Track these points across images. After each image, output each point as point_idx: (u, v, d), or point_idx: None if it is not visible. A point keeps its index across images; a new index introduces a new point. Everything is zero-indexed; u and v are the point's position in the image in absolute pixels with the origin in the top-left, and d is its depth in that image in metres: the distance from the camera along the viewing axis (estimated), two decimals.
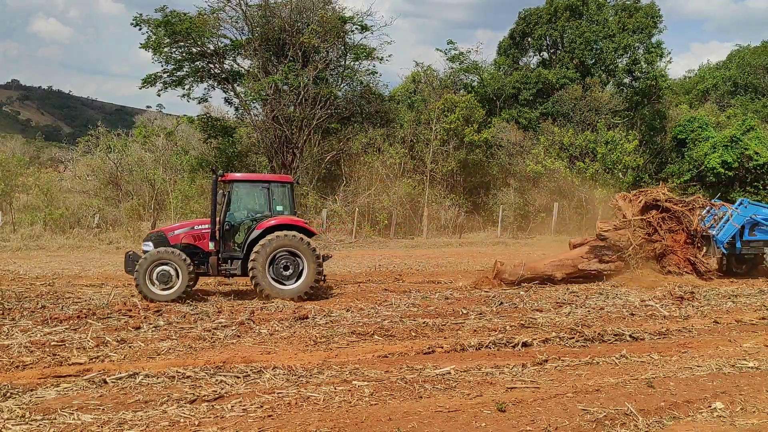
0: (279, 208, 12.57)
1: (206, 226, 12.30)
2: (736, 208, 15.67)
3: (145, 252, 11.99)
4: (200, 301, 11.79)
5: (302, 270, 11.98)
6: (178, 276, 11.68)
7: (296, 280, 12.00)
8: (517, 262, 14.69)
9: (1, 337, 8.63)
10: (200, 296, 12.42)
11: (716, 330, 9.58)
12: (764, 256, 15.53)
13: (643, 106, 41.47)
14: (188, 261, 11.76)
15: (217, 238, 12.20)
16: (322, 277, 13.05)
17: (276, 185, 12.79)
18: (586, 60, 40.42)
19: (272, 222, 12.15)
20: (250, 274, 11.86)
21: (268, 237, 11.88)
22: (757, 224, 15.82)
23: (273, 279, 11.90)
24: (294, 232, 12.04)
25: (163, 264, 11.69)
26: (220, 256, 12.23)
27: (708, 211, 16.10)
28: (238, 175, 13.15)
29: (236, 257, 12.26)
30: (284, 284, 11.94)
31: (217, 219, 12.23)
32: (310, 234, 12.49)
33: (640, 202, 14.98)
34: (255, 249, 11.79)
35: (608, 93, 39.01)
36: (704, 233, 15.01)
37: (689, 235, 14.77)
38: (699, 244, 14.92)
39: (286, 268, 11.94)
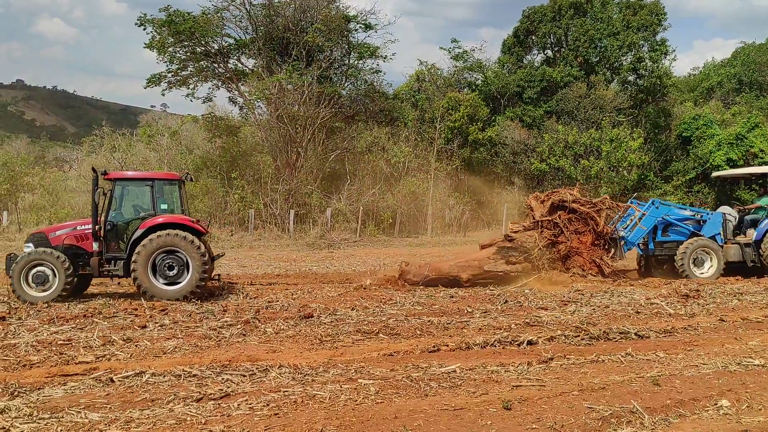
0: (164, 206, 12.14)
1: (89, 226, 11.91)
2: (646, 210, 15.37)
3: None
4: (205, 300, 11.81)
5: (187, 270, 11.66)
6: (55, 277, 11.43)
7: (181, 281, 11.67)
8: (422, 263, 14.54)
9: (8, 336, 8.66)
10: (204, 296, 12.45)
11: (722, 328, 9.55)
12: (675, 257, 15.09)
13: (648, 104, 41.39)
14: (66, 261, 11.45)
15: (100, 238, 11.84)
16: (216, 277, 12.95)
17: (161, 183, 12.30)
18: (590, 58, 40.36)
19: (159, 220, 11.78)
20: (132, 275, 11.54)
21: (150, 236, 11.53)
22: (670, 225, 15.56)
23: (156, 279, 11.58)
24: (177, 231, 11.65)
25: (39, 265, 11.42)
26: (103, 256, 11.88)
27: (624, 212, 15.69)
28: (120, 174, 12.77)
29: (120, 258, 11.87)
30: (169, 284, 11.63)
31: (100, 219, 11.85)
32: (198, 233, 12.04)
33: (549, 202, 14.77)
34: (137, 249, 11.48)
35: (612, 91, 38.96)
36: (612, 235, 14.69)
37: (597, 236, 14.46)
38: (606, 246, 14.65)
39: (170, 267, 11.60)
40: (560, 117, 38.16)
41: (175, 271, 11.65)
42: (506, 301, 11.64)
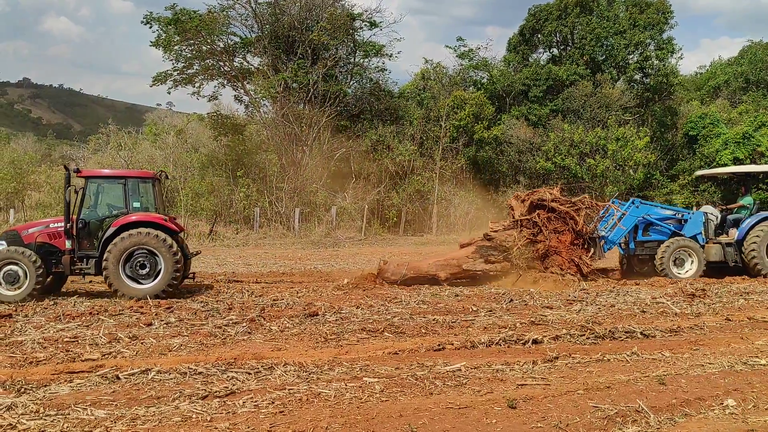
0: (136, 204, 12.03)
1: (62, 224, 11.86)
2: (626, 209, 15.19)
3: None
4: (210, 298, 11.83)
5: (159, 268, 11.62)
6: (26, 276, 11.34)
7: (153, 279, 11.61)
8: (401, 261, 14.52)
9: (14, 333, 8.70)
10: (210, 293, 12.48)
11: (728, 327, 9.51)
12: (655, 256, 14.92)
13: (654, 103, 41.28)
14: (37, 260, 11.38)
15: (73, 236, 11.77)
16: (191, 276, 12.95)
17: (134, 181, 12.19)
18: (596, 56, 40.26)
19: (132, 218, 11.71)
20: (104, 274, 11.50)
21: (122, 235, 11.47)
22: (651, 224, 15.38)
23: (129, 278, 11.52)
24: (149, 230, 11.58)
25: (10, 264, 11.33)
26: (75, 254, 11.81)
27: (606, 212, 15.53)
28: (92, 171, 12.64)
29: (92, 256, 11.79)
30: (141, 283, 11.57)
31: (72, 216, 11.78)
32: (171, 231, 11.93)
33: (529, 201, 14.65)
34: (108, 247, 11.44)
35: (619, 89, 38.87)
36: (592, 234, 14.52)
37: (576, 235, 14.32)
38: (586, 245, 14.48)
39: (142, 266, 11.53)
40: (566, 116, 38.09)
41: (146, 270, 11.60)
42: (511, 300, 11.62)
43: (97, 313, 9.99)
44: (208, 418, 5.42)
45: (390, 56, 35.77)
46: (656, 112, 40.98)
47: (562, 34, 41.60)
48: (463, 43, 41.51)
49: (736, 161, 34.57)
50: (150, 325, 9.26)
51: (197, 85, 34.57)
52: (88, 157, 39.15)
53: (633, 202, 15.46)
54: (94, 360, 7.31)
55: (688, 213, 15.80)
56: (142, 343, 8.18)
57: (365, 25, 34.90)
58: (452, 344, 8.14)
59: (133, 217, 11.76)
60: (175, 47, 32.79)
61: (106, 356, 7.53)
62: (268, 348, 8.01)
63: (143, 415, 5.47)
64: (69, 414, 5.50)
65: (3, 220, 31.23)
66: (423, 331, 9.07)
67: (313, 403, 5.84)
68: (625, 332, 8.90)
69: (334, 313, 10.15)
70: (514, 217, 14.61)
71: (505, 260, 13.98)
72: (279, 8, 33.42)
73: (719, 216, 15.79)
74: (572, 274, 13.91)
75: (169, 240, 11.65)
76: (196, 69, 34.23)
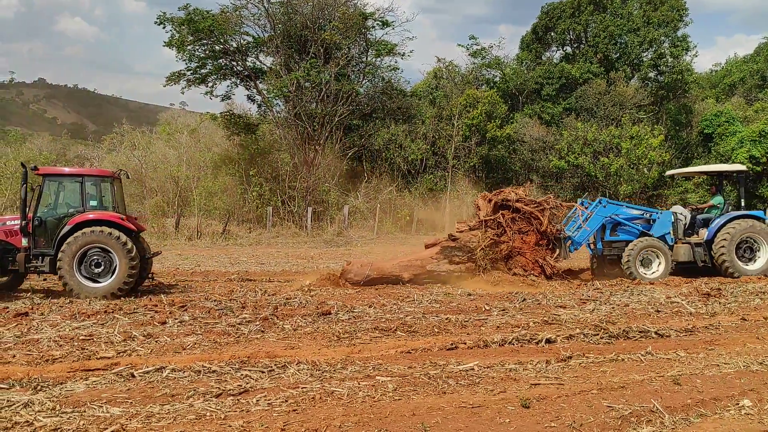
0: (93, 203, 12.00)
1: (18, 221, 11.84)
2: (593, 210, 14.99)
3: None
4: (224, 297, 11.87)
5: (114, 267, 11.55)
6: None
7: (108, 278, 11.56)
8: (365, 262, 14.40)
9: (30, 331, 8.78)
10: (223, 292, 12.53)
11: (744, 327, 9.44)
12: (621, 257, 14.71)
13: (669, 101, 40.95)
14: None
15: (29, 233, 11.74)
16: (150, 276, 12.92)
17: (91, 179, 12.17)
18: (610, 54, 40.01)
19: (90, 216, 11.67)
20: (58, 272, 11.48)
21: (77, 233, 11.46)
22: (619, 224, 15.18)
23: (84, 276, 11.50)
24: (105, 228, 11.54)
25: None
26: (30, 252, 11.76)
27: (574, 212, 15.32)
28: (49, 169, 12.64)
29: (47, 254, 11.74)
30: (95, 282, 11.54)
31: (29, 214, 11.77)
32: (128, 230, 11.85)
33: (494, 201, 14.53)
34: (63, 246, 11.43)
35: (633, 87, 38.61)
36: (558, 235, 14.33)
37: (541, 236, 14.16)
38: (552, 246, 14.32)
39: (97, 265, 11.53)
40: (579, 114, 37.90)
41: (101, 269, 11.59)
42: (524, 299, 11.59)
43: (112, 312, 10.06)
44: (222, 416, 5.44)
45: (402, 55, 35.79)
46: (671, 110, 40.67)
47: (576, 32, 41.39)
48: (476, 41, 41.47)
49: (752, 159, 34.21)
50: (164, 323, 9.31)
51: (210, 84, 34.80)
52: (103, 156, 39.42)
53: (600, 202, 15.30)
54: (109, 358, 7.37)
55: (657, 213, 15.62)
56: (156, 342, 8.23)
57: (377, 24, 34.94)
58: (465, 343, 8.13)
59: (90, 216, 11.73)
60: (188, 47, 32.98)
61: (121, 354, 7.59)
62: (281, 346, 8.03)
63: (158, 413, 5.51)
64: (85, 411, 5.54)
65: None
66: (436, 330, 9.07)
67: (326, 401, 5.86)
68: (640, 332, 8.85)
69: (347, 312, 10.16)
70: (480, 217, 14.53)
71: (469, 261, 13.88)
72: (291, 7, 33.51)
73: (689, 216, 15.65)
74: (536, 275, 13.80)
75: (125, 239, 11.61)
76: (209, 69, 34.42)
